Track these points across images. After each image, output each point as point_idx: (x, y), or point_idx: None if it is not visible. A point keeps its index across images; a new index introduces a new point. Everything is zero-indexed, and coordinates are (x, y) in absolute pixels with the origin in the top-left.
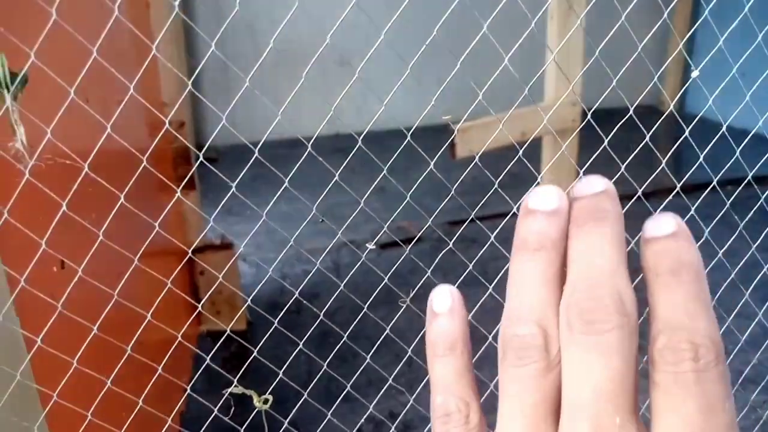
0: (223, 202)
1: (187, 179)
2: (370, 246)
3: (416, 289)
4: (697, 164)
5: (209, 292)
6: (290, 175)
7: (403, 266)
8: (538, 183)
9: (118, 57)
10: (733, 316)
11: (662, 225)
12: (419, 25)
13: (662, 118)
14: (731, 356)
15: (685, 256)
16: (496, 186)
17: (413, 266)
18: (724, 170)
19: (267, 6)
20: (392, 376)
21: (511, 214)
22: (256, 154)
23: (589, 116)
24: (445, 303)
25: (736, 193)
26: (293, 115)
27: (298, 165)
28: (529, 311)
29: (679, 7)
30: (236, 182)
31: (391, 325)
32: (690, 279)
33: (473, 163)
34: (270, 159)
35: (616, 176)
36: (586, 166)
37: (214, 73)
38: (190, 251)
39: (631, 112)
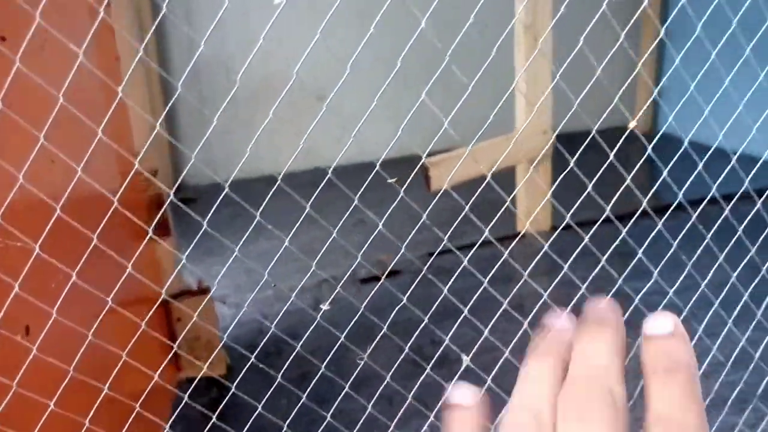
0: (194, 241)
1: (162, 226)
2: (324, 307)
3: (391, 324)
4: (660, 183)
5: (186, 339)
6: (260, 210)
7: (383, 300)
8: (514, 210)
9: (87, 106)
10: (700, 334)
11: (660, 324)
12: (395, 58)
13: (624, 136)
14: (709, 374)
15: (681, 355)
16: (467, 210)
17: (394, 300)
18: (685, 188)
19: (242, 44)
20: (374, 413)
21: (480, 242)
22: (226, 190)
23: (552, 139)
24: (464, 397)
25: (699, 211)
26: (271, 151)
27: (267, 201)
28: (528, 402)
29: (646, 31)
30: (210, 221)
31: (378, 356)
32: (683, 378)
33: (446, 194)
34: (249, 196)
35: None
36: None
37: (190, 113)
38: (164, 296)
39: (593, 133)
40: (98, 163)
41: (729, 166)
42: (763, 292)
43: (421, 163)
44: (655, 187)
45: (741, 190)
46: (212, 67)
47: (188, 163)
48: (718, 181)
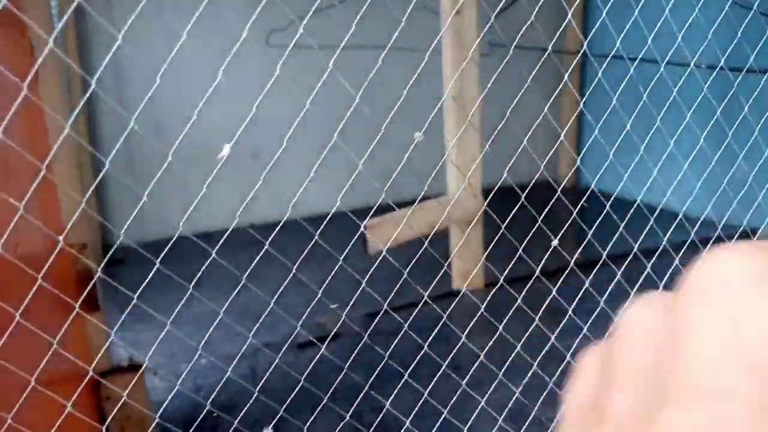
0: (125, 310)
1: (91, 300)
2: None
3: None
4: (586, 237)
5: (117, 419)
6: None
7: (323, 366)
8: (449, 269)
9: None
10: None
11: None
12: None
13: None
14: None
15: None
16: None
17: (334, 364)
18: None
19: (176, 102)
20: None
21: (423, 301)
22: (160, 262)
23: (483, 205)
24: None
25: (625, 266)
26: (205, 208)
27: (200, 260)
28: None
29: (567, 91)
30: (141, 282)
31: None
32: None
33: (386, 254)
34: (182, 255)
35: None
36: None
37: (120, 172)
38: (91, 373)
39: (523, 195)
40: (24, 237)
41: (649, 224)
42: None
43: (365, 226)
44: (582, 245)
45: (662, 246)
46: (144, 128)
47: (116, 220)
48: (641, 239)
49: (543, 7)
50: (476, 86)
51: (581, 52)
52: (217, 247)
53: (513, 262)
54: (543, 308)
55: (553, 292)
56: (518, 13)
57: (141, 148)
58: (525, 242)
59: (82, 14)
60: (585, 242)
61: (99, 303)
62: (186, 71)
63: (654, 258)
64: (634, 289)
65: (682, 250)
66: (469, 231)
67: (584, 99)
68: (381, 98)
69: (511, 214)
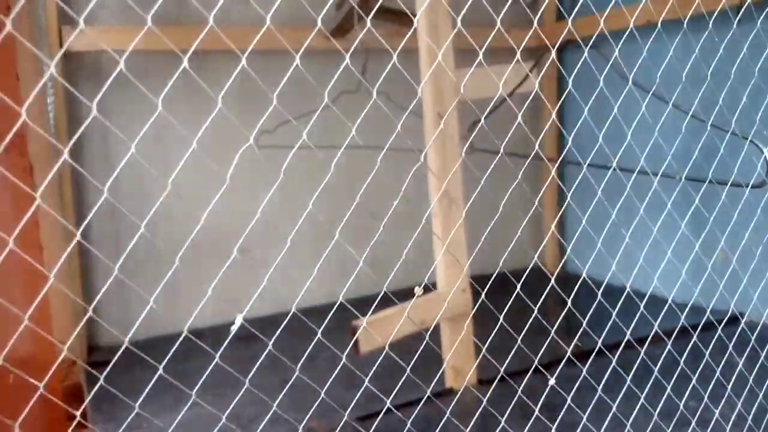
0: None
1: (80, 417)
2: None
3: None
4: (576, 326)
5: None
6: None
7: None
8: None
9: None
10: None
11: None
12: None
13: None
14: None
15: None
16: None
17: None
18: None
19: (163, 201)
20: None
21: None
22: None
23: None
24: None
25: (617, 356)
26: (193, 306)
27: (188, 360)
28: None
29: (549, 183)
30: (127, 385)
31: None
32: None
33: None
34: (166, 355)
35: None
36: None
37: (108, 270)
38: None
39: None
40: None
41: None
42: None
43: (357, 325)
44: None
45: (652, 333)
46: (132, 222)
47: (103, 321)
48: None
49: (518, 107)
50: (461, 184)
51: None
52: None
53: (505, 353)
54: (540, 403)
55: (551, 381)
56: (497, 117)
57: (131, 245)
58: (516, 332)
59: (79, 145)
60: (580, 332)
61: (87, 418)
62: (176, 168)
63: (646, 345)
64: (629, 377)
65: (673, 337)
66: (459, 326)
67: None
68: (368, 194)
69: (507, 307)
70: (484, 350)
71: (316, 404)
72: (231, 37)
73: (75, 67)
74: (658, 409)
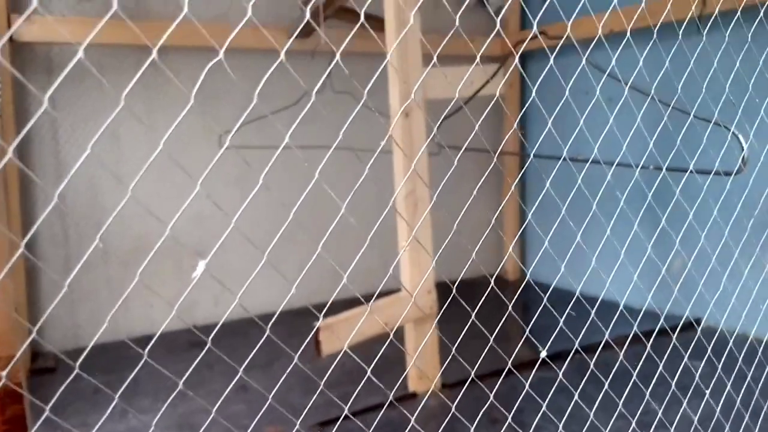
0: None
1: (18, 421)
2: None
3: None
4: (535, 332)
5: None
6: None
7: None
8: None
9: None
10: None
11: None
12: (276, 213)
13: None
14: None
15: None
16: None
17: None
18: (553, 336)
19: (115, 202)
20: None
21: (380, 405)
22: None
23: (435, 301)
24: None
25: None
26: (145, 310)
27: (139, 366)
28: None
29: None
30: (72, 394)
31: None
32: None
33: (333, 354)
34: (119, 361)
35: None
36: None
37: (54, 270)
38: None
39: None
40: None
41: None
42: None
43: (319, 326)
44: (538, 337)
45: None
46: (82, 225)
47: (47, 327)
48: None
49: (484, 111)
50: (427, 185)
51: (519, 153)
52: (182, 349)
53: (468, 357)
54: (502, 407)
55: (526, 386)
56: (461, 116)
57: (79, 248)
58: (478, 337)
59: (26, 142)
60: (532, 335)
61: (26, 426)
62: (131, 171)
63: (599, 351)
64: (583, 381)
65: (627, 343)
66: (424, 328)
67: (527, 198)
68: (330, 196)
69: (476, 311)
70: (453, 350)
71: (265, 409)
72: (192, 35)
73: (26, 58)
74: (615, 414)
